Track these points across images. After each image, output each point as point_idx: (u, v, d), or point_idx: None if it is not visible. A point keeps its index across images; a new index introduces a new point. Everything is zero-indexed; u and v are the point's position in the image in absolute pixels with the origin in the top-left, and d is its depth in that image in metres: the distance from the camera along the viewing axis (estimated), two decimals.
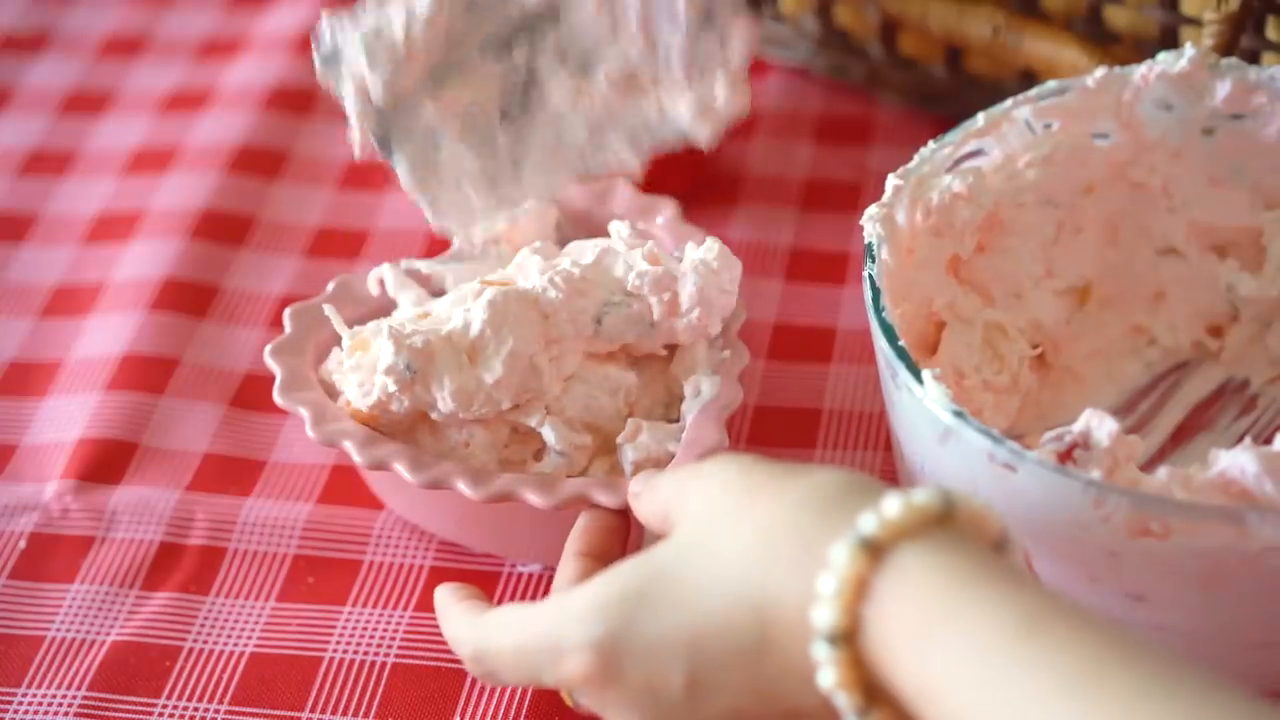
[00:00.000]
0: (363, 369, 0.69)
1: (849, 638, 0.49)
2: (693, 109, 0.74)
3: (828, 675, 0.49)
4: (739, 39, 0.74)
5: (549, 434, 0.68)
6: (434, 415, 0.68)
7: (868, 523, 0.49)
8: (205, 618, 0.71)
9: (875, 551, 0.49)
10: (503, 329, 0.67)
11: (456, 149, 0.73)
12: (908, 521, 0.49)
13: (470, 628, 0.58)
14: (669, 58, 0.74)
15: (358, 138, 0.73)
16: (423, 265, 0.75)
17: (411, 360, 0.66)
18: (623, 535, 0.64)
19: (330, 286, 0.75)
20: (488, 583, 0.71)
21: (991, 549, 0.51)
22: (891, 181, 0.69)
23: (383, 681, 0.68)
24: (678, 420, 0.69)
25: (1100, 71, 0.71)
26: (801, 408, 0.77)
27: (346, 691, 0.68)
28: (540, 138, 0.74)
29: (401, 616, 0.70)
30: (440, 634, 0.62)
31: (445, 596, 0.61)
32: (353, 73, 0.72)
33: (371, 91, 0.72)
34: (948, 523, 0.50)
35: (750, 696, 0.52)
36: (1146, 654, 0.45)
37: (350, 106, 0.73)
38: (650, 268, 0.69)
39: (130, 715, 0.67)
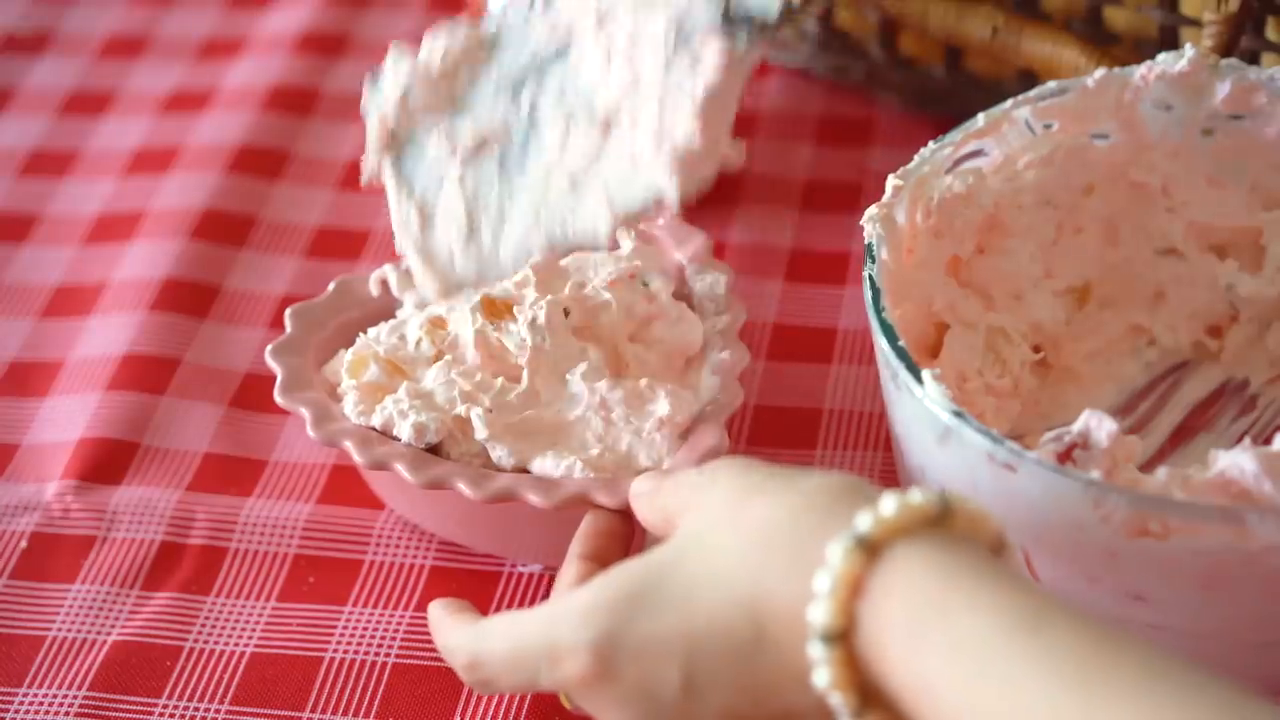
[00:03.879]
0: (360, 390, 0.69)
1: (844, 637, 0.49)
2: (655, 149, 0.62)
3: (823, 675, 0.49)
4: (710, 62, 0.61)
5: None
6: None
7: (864, 521, 0.49)
8: (206, 618, 0.71)
9: (871, 550, 0.49)
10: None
11: (453, 193, 0.68)
12: (904, 520, 0.49)
13: (465, 635, 0.58)
14: (644, 87, 0.63)
15: (369, 163, 0.70)
16: None
17: (428, 441, 0.68)
18: (626, 539, 0.64)
19: (331, 287, 0.75)
20: (488, 583, 0.71)
21: (989, 550, 0.51)
22: (891, 182, 0.69)
23: (383, 682, 0.68)
24: None
25: (1100, 72, 0.71)
26: (801, 408, 0.77)
27: (347, 692, 0.68)
28: (528, 195, 0.66)
29: (402, 616, 0.70)
30: None
31: (439, 609, 0.61)
32: (381, 95, 0.70)
33: (387, 107, 0.69)
34: (945, 523, 0.50)
35: (746, 696, 0.52)
36: (1146, 652, 0.45)
37: (370, 129, 0.70)
38: None
39: (131, 715, 0.68)
